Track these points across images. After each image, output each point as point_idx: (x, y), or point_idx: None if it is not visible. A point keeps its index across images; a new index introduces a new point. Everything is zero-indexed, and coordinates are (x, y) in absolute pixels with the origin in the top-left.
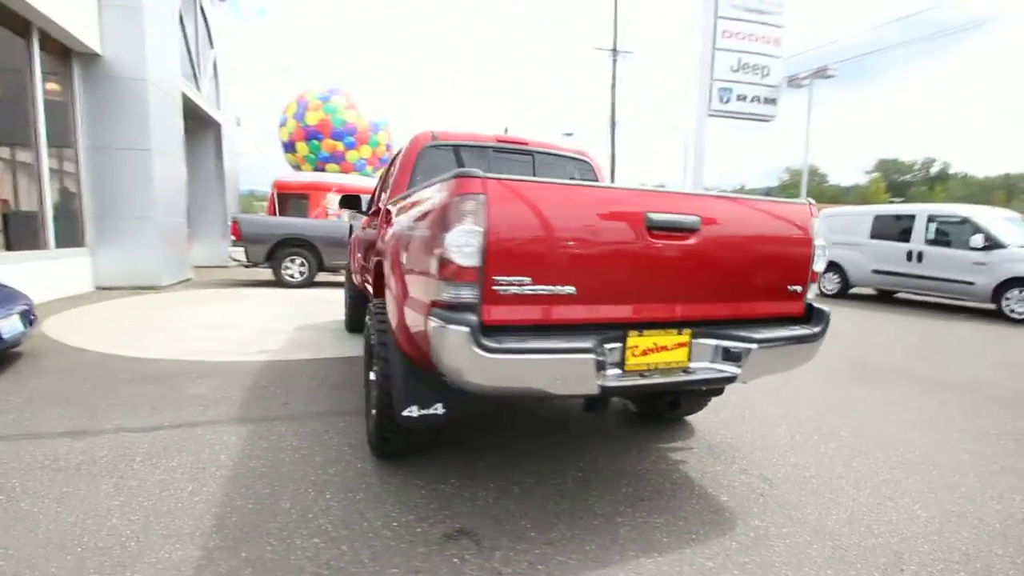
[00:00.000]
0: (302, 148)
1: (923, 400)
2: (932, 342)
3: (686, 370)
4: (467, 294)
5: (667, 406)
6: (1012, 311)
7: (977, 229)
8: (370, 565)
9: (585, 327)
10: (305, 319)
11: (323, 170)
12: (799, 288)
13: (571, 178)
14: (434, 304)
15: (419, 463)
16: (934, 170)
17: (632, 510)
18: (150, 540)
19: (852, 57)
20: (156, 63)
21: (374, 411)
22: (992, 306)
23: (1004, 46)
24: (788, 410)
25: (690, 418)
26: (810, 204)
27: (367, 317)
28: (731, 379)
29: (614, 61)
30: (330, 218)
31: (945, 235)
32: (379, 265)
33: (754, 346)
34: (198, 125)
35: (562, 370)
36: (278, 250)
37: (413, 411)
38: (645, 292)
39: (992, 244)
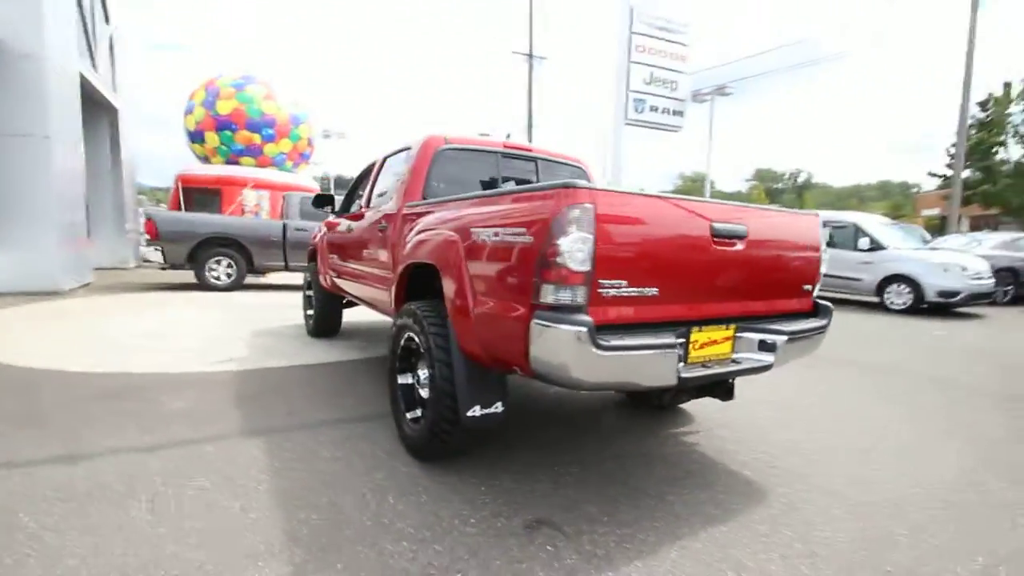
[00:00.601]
0: (212, 139)
1: (865, 380)
2: (845, 331)
3: (734, 360)
4: (576, 297)
5: (673, 396)
6: (892, 303)
7: (863, 233)
8: (473, 561)
9: (660, 325)
10: (254, 324)
11: (236, 163)
12: (810, 287)
13: None
14: (538, 307)
15: (463, 464)
16: (801, 179)
17: (677, 489)
18: (228, 563)
19: (742, 78)
20: (54, 38)
21: (424, 413)
22: (876, 299)
23: (855, 74)
24: (764, 395)
25: (685, 406)
26: (817, 214)
27: (405, 320)
28: (767, 367)
29: (530, 66)
30: (247, 215)
31: (836, 238)
32: (410, 268)
33: (785, 338)
34: (93, 110)
35: (654, 364)
36: (201, 250)
37: (476, 411)
38: (705, 292)
39: (875, 246)
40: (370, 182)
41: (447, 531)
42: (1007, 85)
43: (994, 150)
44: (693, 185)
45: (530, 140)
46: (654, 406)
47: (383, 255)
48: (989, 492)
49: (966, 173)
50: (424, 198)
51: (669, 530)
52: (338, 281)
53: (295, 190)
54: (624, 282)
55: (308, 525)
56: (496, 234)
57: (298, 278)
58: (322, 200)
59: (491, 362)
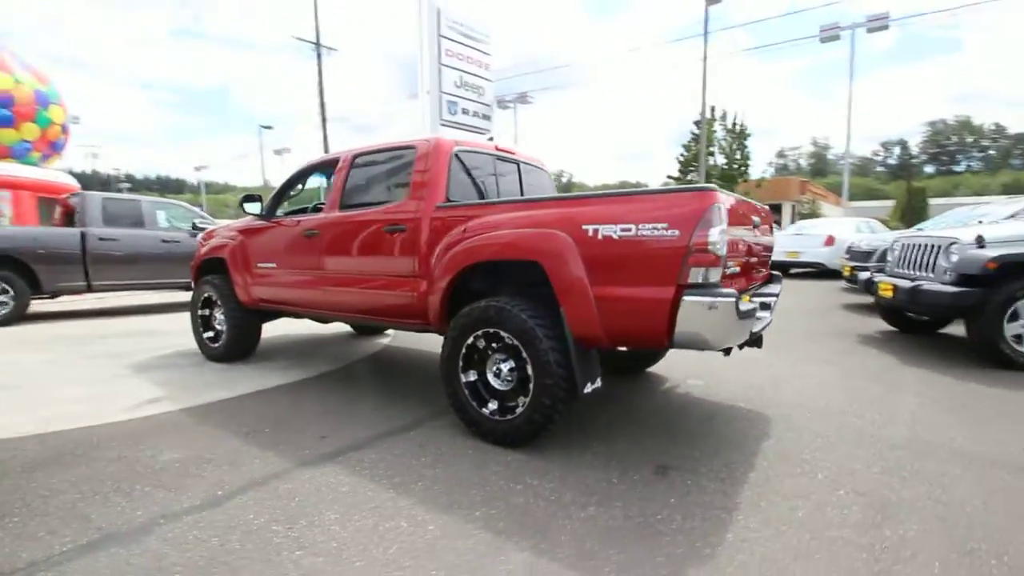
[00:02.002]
0: None
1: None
2: None
3: (758, 318)
4: (717, 276)
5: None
6: None
7: None
8: (656, 505)
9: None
10: (120, 359)
11: None
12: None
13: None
14: (685, 287)
15: (548, 443)
16: (564, 180)
17: (744, 445)
18: None
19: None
20: None
21: (525, 400)
22: None
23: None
24: (738, 364)
25: (693, 381)
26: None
27: (477, 317)
28: (769, 322)
29: (319, 55)
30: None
31: None
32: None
33: (776, 299)
34: None
35: (754, 323)
36: None
37: (588, 387)
38: (750, 267)
39: None
40: (335, 184)
41: (610, 494)
42: (712, 108)
43: (708, 158)
44: None
45: (325, 134)
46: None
47: (399, 258)
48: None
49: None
50: (448, 199)
51: (769, 473)
52: (280, 292)
53: (53, 190)
54: (732, 262)
55: (511, 522)
56: (628, 229)
57: (108, 300)
58: (252, 200)
59: (613, 341)
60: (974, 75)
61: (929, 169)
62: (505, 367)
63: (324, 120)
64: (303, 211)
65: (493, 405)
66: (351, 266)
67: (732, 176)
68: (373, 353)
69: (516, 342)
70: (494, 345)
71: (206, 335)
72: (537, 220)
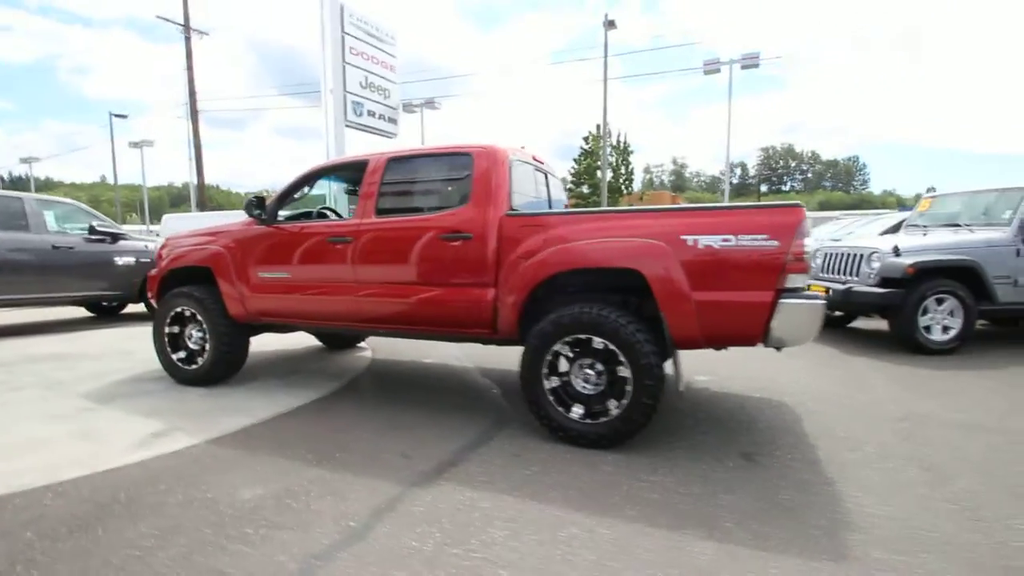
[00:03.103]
0: None
1: None
2: None
3: None
4: (806, 281)
5: None
6: None
7: None
8: (771, 487)
9: None
10: (70, 387)
11: None
12: None
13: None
14: (782, 291)
15: (634, 442)
16: None
17: (790, 428)
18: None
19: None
20: None
21: (620, 403)
22: None
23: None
24: (720, 362)
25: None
26: None
27: (569, 324)
28: None
29: (187, 38)
30: None
31: None
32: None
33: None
34: None
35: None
36: None
37: (681, 386)
38: None
39: None
40: (368, 188)
41: (723, 482)
42: (598, 127)
43: (596, 172)
44: None
45: (195, 125)
46: None
47: (462, 266)
48: None
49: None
50: (511, 208)
51: (806, 442)
52: (292, 304)
53: None
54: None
55: (668, 516)
56: (728, 240)
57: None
58: (259, 204)
59: (708, 342)
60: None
61: (764, 188)
62: (593, 371)
63: (195, 113)
64: (302, 216)
65: (579, 409)
66: (397, 275)
67: (619, 188)
68: (366, 367)
69: (612, 347)
70: (577, 351)
71: (176, 356)
72: (632, 230)
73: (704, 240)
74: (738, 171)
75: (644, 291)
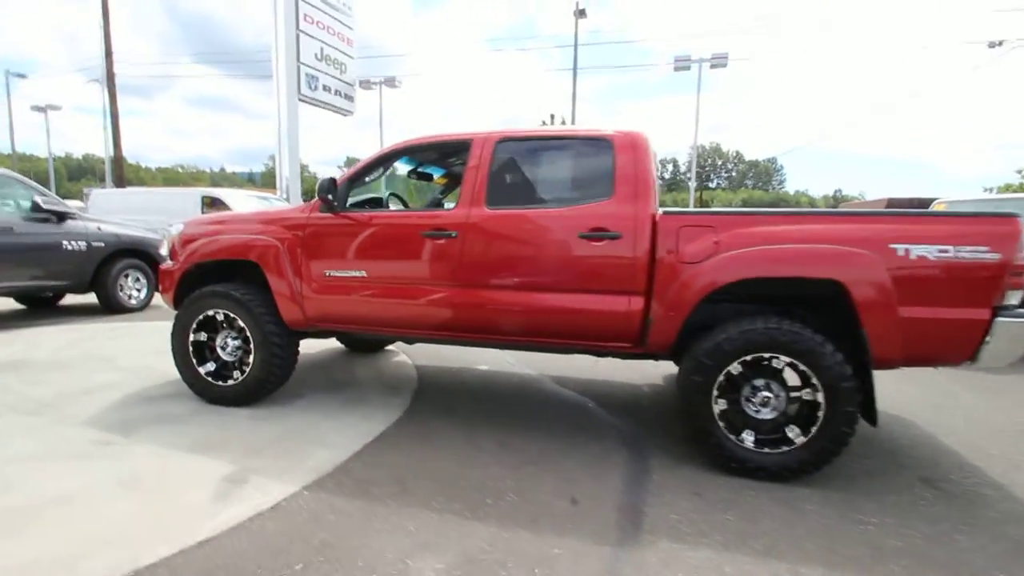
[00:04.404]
0: None
1: None
2: None
3: None
4: (1019, 298)
5: None
6: None
7: None
8: (988, 518)
9: None
10: (50, 415)
11: None
12: None
13: None
14: (999, 308)
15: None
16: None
17: (914, 446)
18: None
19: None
20: None
21: (806, 430)
22: None
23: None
24: None
25: None
26: None
27: (780, 337)
28: None
29: (105, 10)
30: None
31: None
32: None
33: None
34: None
35: None
36: None
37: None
38: None
39: None
40: (473, 174)
41: (930, 516)
42: (552, 116)
43: None
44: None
45: (112, 89)
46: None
47: (607, 269)
48: None
49: None
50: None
51: (944, 459)
52: (374, 309)
53: None
54: None
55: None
56: (945, 250)
57: None
58: (332, 187)
59: (908, 361)
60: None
61: (693, 184)
62: (772, 394)
63: (111, 76)
64: (368, 204)
65: (749, 437)
66: (520, 278)
67: None
68: (418, 376)
69: (804, 367)
70: (750, 370)
71: (204, 369)
72: (828, 235)
73: (917, 250)
74: (670, 167)
75: (816, 303)
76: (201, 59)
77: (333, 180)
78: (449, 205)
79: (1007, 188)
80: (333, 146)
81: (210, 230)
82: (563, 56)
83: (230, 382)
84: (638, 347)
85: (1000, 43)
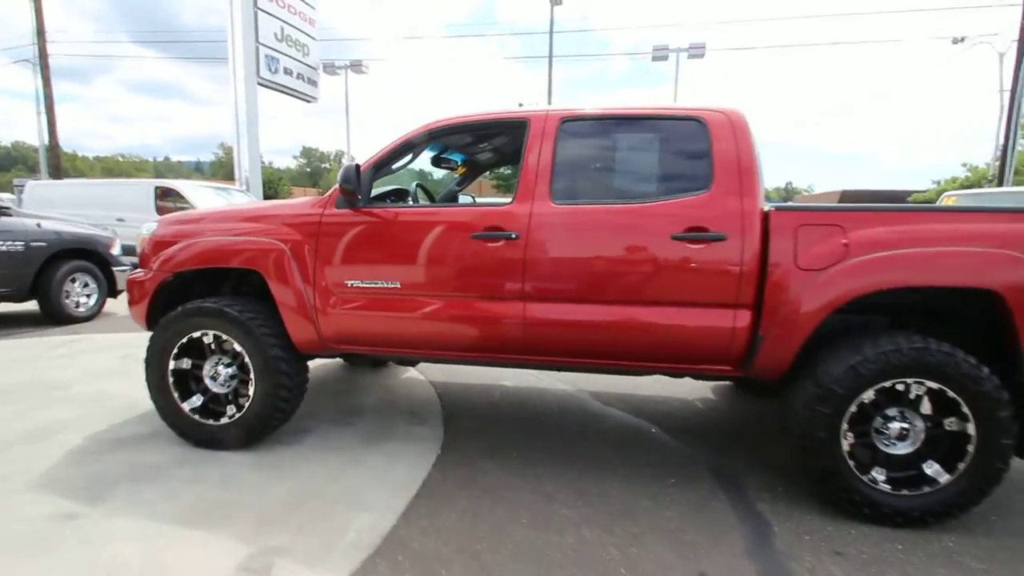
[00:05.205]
0: None
1: None
2: None
3: None
4: None
5: None
6: None
7: None
8: None
9: None
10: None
11: None
12: None
13: None
14: None
15: None
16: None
17: None
18: None
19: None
20: None
21: (958, 467)
22: None
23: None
24: None
25: None
26: None
27: (930, 359)
28: None
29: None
30: None
31: None
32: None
33: None
34: None
35: None
36: None
37: None
38: None
39: None
40: (535, 161)
41: None
42: (520, 105)
43: None
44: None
45: (46, 71)
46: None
47: (707, 279)
48: None
49: None
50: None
51: None
52: (411, 327)
53: None
54: None
55: None
56: None
57: None
58: (357, 178)
59: None
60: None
61: None
62: (906, 424)
63: (44, 56)
64: (390, 197)
65: (881, 475)
66: (600, 288)
67: None
68: (439, 396)
69: (953, 394)
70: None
71: (189, 404)
72: (977, 237)
73: None
74: None
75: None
76: (144, 40)
77: (358, 167)
78: (465, 199)
79: (953, 181)
80: (288, 135)
81: (192, 230)
82: (527, 45)
83: (223, 420)
84: (740, 371)
85: (963, 39)
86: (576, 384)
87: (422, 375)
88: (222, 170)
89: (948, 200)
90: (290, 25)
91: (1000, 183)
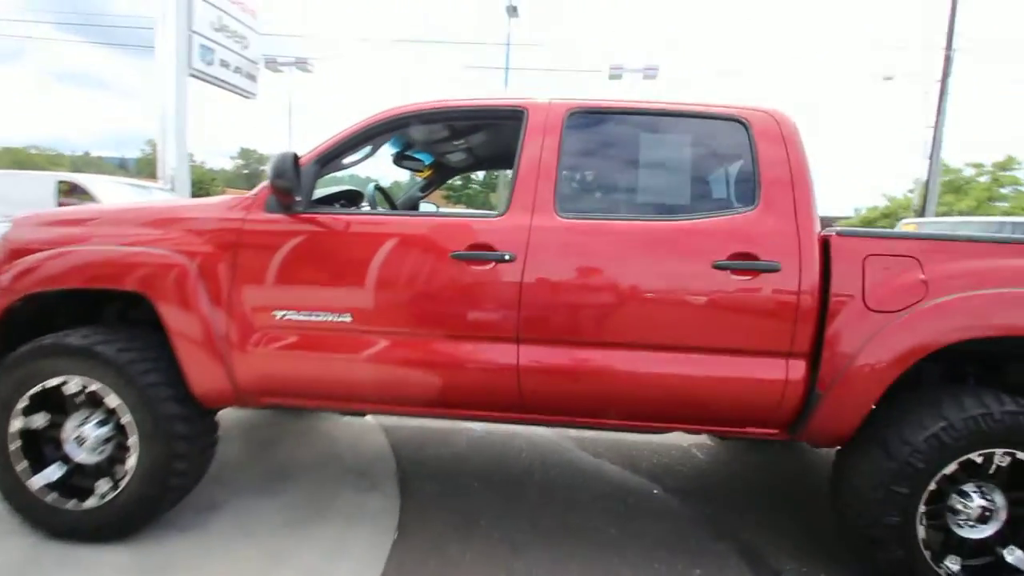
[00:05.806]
0: None
1: None
2: None
3: None
4: None
5: None
6: None
7: None
8: None
9: None
10: None
11: None
12: None
13: None
14: None
15: None
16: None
17: None
18: None
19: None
20: None
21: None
22: None
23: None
24: None
25: None
26: None
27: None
28: None
29: None
30: None
31: None
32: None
33: None
34: None
35: None
36: None
37: None
38: None
39: None
40: (533, 162)
41: None
42: None
43: None
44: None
45: None
46: None
47: (752, 319)
48: None
49: None
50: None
51: None
52: (354, 369)
53: None
54: None
55: None
56: None
57: None
58: (295, 174)
59: None
60: None
61: None
62: (991, 504)
63: None
64: (336, 200)
65: (955, 565)
66: (623, 329)
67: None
68: (392, 449)
69: None
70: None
71: (41, 479)
72: None
73: None
74: None
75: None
76: (63, 26)
77: (296, 157)
78: (427, 207)
79: (874, 210)
80: (224, 135)
81: (60, 235)
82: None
83: (91, 501)
84: (788, 434)
85: (891, 78)
86: (555, 427)
87: (370, 417)
88: (148, 168)
89: (907, 227)
90: (229, 15)
91: (923, 214)
